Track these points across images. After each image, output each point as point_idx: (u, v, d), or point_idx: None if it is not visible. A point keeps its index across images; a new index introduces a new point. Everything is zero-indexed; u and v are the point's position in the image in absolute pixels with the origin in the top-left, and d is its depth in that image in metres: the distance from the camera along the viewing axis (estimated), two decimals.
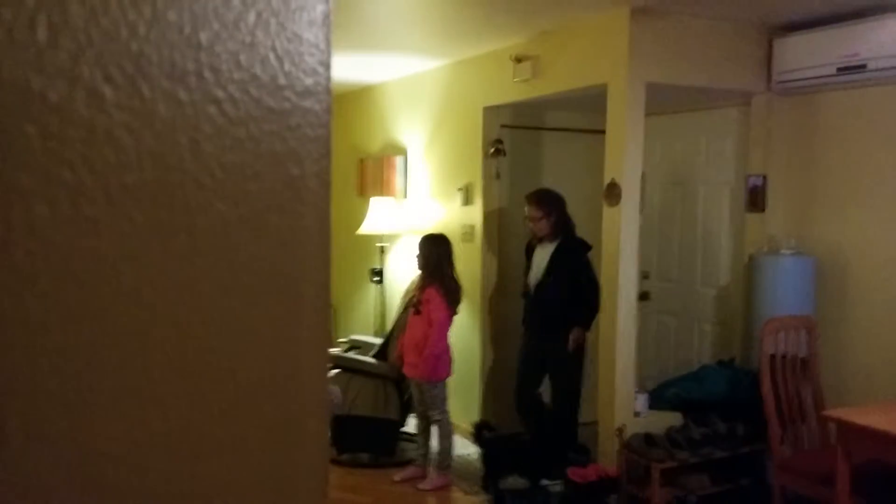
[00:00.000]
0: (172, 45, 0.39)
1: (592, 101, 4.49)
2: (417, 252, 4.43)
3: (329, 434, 0.61)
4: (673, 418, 4.23)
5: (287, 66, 0.49)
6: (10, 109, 0.31)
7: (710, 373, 4.37)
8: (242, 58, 0.45)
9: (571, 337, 4.35)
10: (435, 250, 4.40)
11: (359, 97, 6.47)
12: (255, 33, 0.46)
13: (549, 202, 4.41)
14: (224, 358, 0.45)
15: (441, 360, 4.39)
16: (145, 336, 0.38)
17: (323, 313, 0.57)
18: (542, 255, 4.45)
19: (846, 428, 3.18)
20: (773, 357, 3.82)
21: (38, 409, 0.33)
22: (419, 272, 4.42)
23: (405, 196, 5.86)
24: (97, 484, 0.35)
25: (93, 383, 0.35)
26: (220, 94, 0.43)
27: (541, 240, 4.46)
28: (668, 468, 3.85)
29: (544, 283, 4.42)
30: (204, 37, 0.41)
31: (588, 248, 4.44)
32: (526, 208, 4.45)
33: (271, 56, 0.48)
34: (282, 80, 0.49)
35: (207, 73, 0.42)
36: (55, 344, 0.33)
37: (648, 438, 3.94)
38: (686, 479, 3.96)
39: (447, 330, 4.40)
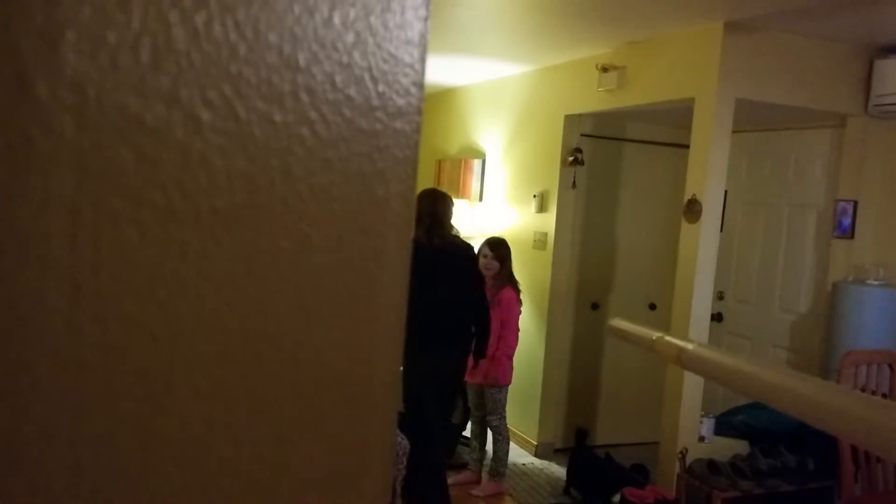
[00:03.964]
0: (271, 66, 0.38)
1: (677, 115, 4.39)
2: (489, 254, 4.38)
3: (392, 457, 0.60)
4: (739, 446, 4.10)
5: (381, 87, 0.48)
6: (106, 132, 0.30)
7: None
8: (338, 79, 0.44)
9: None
10: (509, 253, 4.39)
11: (441, 99, 6.49)
12: (352, 54, 0.45)
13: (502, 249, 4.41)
14: (296, 382, 0.44)
15: (510, 363, 4.39)
16: (221, 360, 0.38)
17: (397, 336, 0.56)
18: None
19: None
20: None
21: (111, 434, 0.32)
22: (488, 274, 4.39)
23: (480, 199, 5.85)
24: None
25: (166, 407, 0.35)
26: (313, 115, 0.42)
27: None
28: (730, 497, 3.73)
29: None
30: (302, 58, 0.41)
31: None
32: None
33: (366, 77, 0.47)
34: (375, 101, 0.48)
35: (303, 95, 0.41)
36: (133, 368, 0.33)
37: (711, 465, 3.83)
38: None
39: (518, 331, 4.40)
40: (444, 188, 6.22)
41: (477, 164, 5.88)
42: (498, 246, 4.39)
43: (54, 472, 0.30)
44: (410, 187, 0.55)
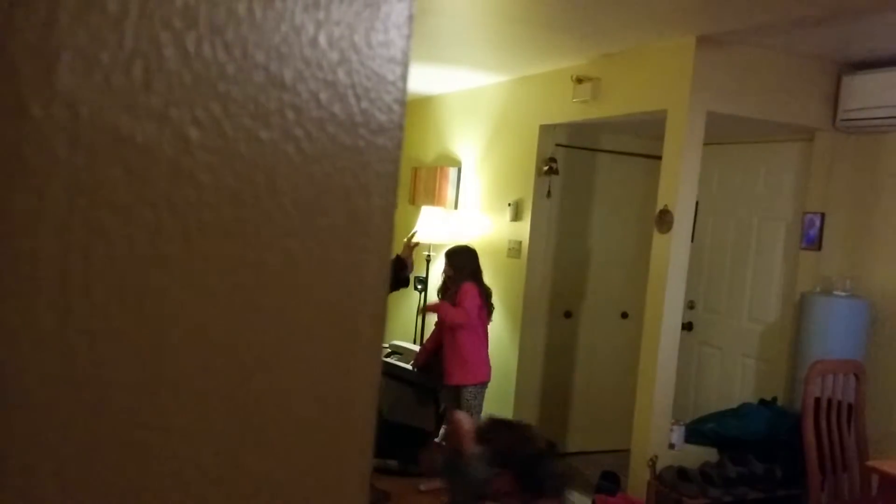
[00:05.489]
0: (258, 85, 0.39)
1: (650, 126, 4.45)
2: (445, 264, 4.48)
3: (370, 472, 0.61)
4: (708, 454, 4.15)
5: (364, 104, 0.50)
6: (99, 151, 0.31)
7: (751, 411, 4.27)
8: (322, 96, 0.45)
9: None
10: (469, 261, 4.43)
11: (417, 107, 6.51)
12: (336, 72, 0.46)
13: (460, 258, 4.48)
14: (279, 394, 0.45)
15: (477, 361, 4.41)
16: (206, 372, 0.39)
17: (376, 346, 0.57)
18: None
19: (889, 481, 3.08)
20: (817, 400, 3.72)
21: (98, 446, 0.33)
22: (448, 282, 4.47)
23: (455, 207, 5.87)
24: None
25: (151, 420, 0.35)
26: (298, 132, 0.43)
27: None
28: None
29: None
30: (288, 76, 0.42)
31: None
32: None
33: (350, 94, 0.48)
34: (358, 118, 0.49)
35: (289, 112, 0.42)
36: (121, 381, 0.34)
37: (681, 472, 3.87)
38: None
39: (474, 319, 4.36)
40: (419, 195, 6.24)
41: (453, 171, 5.90)
42: (451, 255, 4.48)
43: (41, 484, 0.31)
44: (391, 202, 0.57)
